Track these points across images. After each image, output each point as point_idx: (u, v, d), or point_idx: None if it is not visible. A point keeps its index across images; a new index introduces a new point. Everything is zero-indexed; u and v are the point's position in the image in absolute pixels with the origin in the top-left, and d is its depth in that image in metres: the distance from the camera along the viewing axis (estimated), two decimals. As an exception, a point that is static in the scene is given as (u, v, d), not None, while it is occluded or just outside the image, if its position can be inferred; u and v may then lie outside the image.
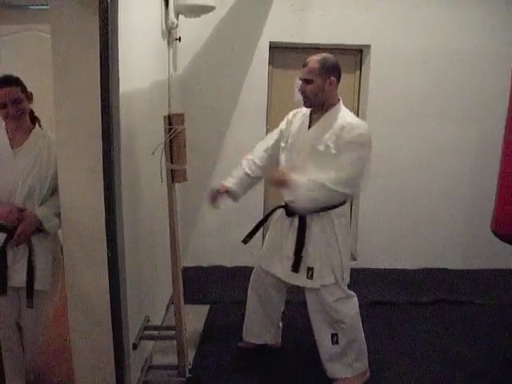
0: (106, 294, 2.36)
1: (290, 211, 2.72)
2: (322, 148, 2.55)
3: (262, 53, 4.25)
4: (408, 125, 4.40)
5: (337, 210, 2.65)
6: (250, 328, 3.07)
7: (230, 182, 2.86)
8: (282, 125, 2.88)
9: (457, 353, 3.15)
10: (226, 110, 4.34)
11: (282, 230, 2.77)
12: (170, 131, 2.48)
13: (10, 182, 2.37)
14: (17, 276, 2.38)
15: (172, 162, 2.53)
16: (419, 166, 4.48)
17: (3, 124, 2.44)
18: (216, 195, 2.86)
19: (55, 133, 2.36)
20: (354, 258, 4.63)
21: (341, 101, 2.67)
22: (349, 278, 2.75)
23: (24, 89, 2.44)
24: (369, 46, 4.30)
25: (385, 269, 4.56)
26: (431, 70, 4.32)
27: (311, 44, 4.23)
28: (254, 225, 2.90)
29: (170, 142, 2.50)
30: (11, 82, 2.38)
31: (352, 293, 2.75)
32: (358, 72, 4.52)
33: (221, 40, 4.23)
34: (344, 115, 2.61)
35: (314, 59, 2.58)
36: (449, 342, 3.29)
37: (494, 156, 4.44)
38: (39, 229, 2.43)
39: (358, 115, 4.50)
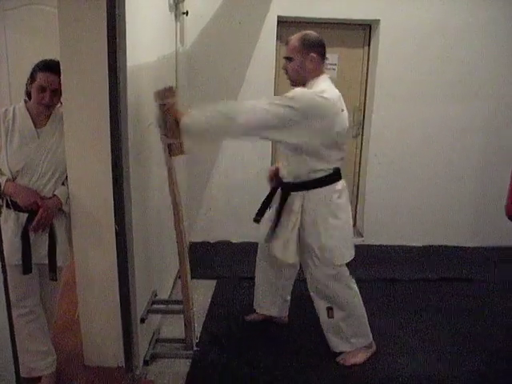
0: (114, 269, 2.38)
1: (284, 187, 2.74)
2: None
3: (270, 27, 4.21)
4: (416, 102, 4.36)
5: (328, 187, 2.62)
6: (256, 297, 3.15)
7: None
8: None
9: (462, 329, 3.17)
10: (234, 85, 4.31)
11: (275, 205, 2.80)
12: (160, 107, 2.47)
13: (34, 162, 2.35)
14: (39, 253, 2.40)
15: (167, 136, 2.53)
16: (427, 144, 4.45)
17: (22, 103, 2.42)
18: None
19: (63, 108, 2.37)
20: (360, 235, 4.64)
21: (323, 75, 2.62)
22: (348, 257, 2.71)
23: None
24: (378, 21, 4.24)
25: (390, 245, 4.57)
26: (440, 45, 4.26)
27: (319, 19, 4.18)
28: (261, 203, 2.90)
29: (164, 116, 2.49)
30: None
31: (345, 272, 2.70)
32: (367, 48, 4.47)
33: (228, 14, 4.18)
34: (315, 87, 2.56)
35: (295, 37, 2.59)
36: (454, 318, 3.31)
37: (503, 134, 4.44)
38: (60, 208, 2.44)
39: (366, 91, 4.47)
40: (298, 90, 2.52)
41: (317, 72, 2.60)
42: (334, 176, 2.64)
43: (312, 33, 2.60)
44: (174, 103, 2.50)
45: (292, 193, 2.66)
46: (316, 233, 2.64)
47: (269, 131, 2.47)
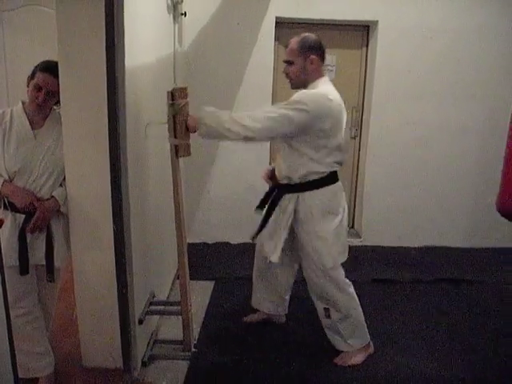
0: (112, 269, 2.38)
1: (279, 188, 2.74)
2: None
3: (268, 28, 4.21)
4: (414, 102, 4.36)
5: (322, 189, 2.62)
6: (254, 293, 3.16)
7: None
8: None
9: (460, 330, 3.17)
10: (232, 86, 4.31)
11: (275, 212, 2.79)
12: (172, 106, 2.47)
13: (30, 163, 2.35)
14: (36, 254, 2.40)
15: (175, 137, 2.52)
16: (424, 144, 4.46)
17: (20, 105, 2.42)
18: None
19: (61, 108, 2.36)
20: (358, 236, 4.64)
21: (323, 78, 2.63)
22: (342, 258, 2.71)
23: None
24: (376, 22, 4.25)
25: (388, 247, 4.57)
26: (438, 46, 4.26)
27: (318, 20, 4.19)
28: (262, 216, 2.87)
29: (174, 116, 2.49)
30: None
31: (339, 275, 2.69)
32: (365, 48, 4.47)
33: (226, 15, 4.19)
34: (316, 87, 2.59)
35: (294, 40, 2.60)
36: (451, 319, 3.31)
37: (500, 135, 4.43)
38: (58, 209, 2.44)
39: (364, 92, 4.48)
40: (304, 93, 2.53)
41: (317, 74, 2.61)
42: (330, 178, 2.64)
43: (311, 35, 2.61)
44: (185, 104, 2.50)
45: (286, 194, 2.67)
46: (308, 235, 2.65)
47: (284, 137, 2.55)
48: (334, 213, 2.65)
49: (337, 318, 2.73)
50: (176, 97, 2.47)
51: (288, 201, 2.67)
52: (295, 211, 2.66)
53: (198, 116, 2.50)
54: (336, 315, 2.72)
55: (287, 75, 2.64)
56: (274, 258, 2.71)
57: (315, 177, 2.60)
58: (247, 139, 2.47)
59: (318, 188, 2.62)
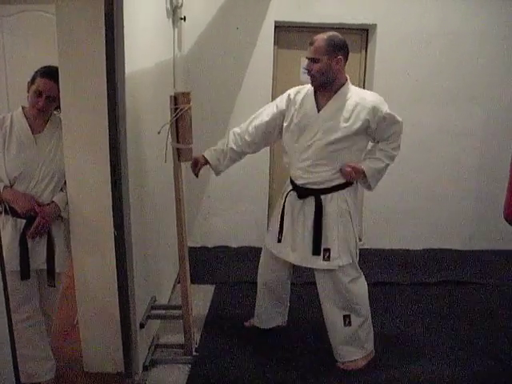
0: (113, 274, 2.38)
1: (302, 193, 2.69)
2: (339, 133, 2.55)
3: (268, 32, 4.22)
4: (413, 105, 4.36)
5: (349, 187, 2.66)
6: (260, 315, 3.08)
7: (210, 155, 2.79)
8: (281, 102, 2.78)
9: (462, 332, 3.16)
10: (231, 90, 4.32)
11: (293, 213, 2.73)
12: (175, 110, 2.47)
13: (31, 168, 2.35)
14: (37, 259, 2.40)
15: (178, 141, 2.53)
16: (424, 147, 4.46)
17: (20, 110, 2.42)
18: (197, 165, 2.80)
19: (61, 113, 2.37)
20: (359, 239, 4.63)
21: (348, 79, 2.65)
22: (354, 258, 2.75)
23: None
24: (375, 26, 4.25)
25: (389, 249, 4.57)
26: (437, 50, 4.27)
27: (317, 23, 4.18)
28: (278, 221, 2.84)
29: (176, 121, 2.49)
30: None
31: (360, 271, 2.77)
32: (364, 52, 4.48)
33: (226, 19, 4.19)
34: (356, 92, 2.62)
35: (321, 37, 2.54)
36: (452, 321, 3.31)
37: (500, 137, 4.45)
38: (58, 214, 2.44)
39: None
40: (380, 100, 2.62)
41: (342, 75, 2.61)
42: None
43: (337, 34, 2.58)
44: (188, 108, 2.50)
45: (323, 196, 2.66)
46: (351, 230, 2.68)
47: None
48: (358, 204, 2.77)
49: (358, 324, 2.71)
50: (179, 101, 2.48)
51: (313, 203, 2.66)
52: (324, 209, 2.65)
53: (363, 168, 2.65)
54: (357, 321, 2.70)
55: (309, 72, 2.59)
56: (347, 259, 2.68)
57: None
58: None
59: (343, 188, 2.68)
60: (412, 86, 4.34)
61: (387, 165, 2.69)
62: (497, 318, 3.36)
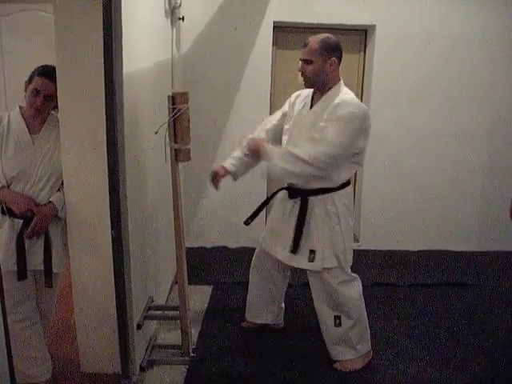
0: (111, 274, 2.38)
1: (292, 193, 2.71)
2: (316, 133, 2.53)
3: (266, 33, 4.21)
4: (412, 107, 4.37)
5: (340, 191, 2.64)
6: (251, 308, 3.10)
7: (229, 164, 2.84)
8: (285, 107, 2.86)
9: (461, 334, 3.16)
10: (230, 90, 4.31)
11: (284, 212, 2.76)
12: (173, 110, 2.47)
13: (29, 168, 2.34)
14: (34, 259, 2.39)
15: (176, 142, 2.52)
16: (423, 149, 4.46)
17: (17, 110, 2.41)
18: (217, 178, 2.84)
19: (59, 113, 2.36)
20: (356, 240, 4.64)
21: (341, 81, 2.65)
22: (351, 261, 2.75)
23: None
24: (374, 27, 4.25)
25: (387, 250, 4.56)
26: (437, 51, 4.27)
27: (315, 24, 4.18)
28: (257, 206, 2.90)
29: (174, 121, 2.49)
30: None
31: (355, 275, 2.76)
32: (363, 53, 4.48)
33: (224, 19, 4.19)
34: (343, 93, 2.60)
35: (314, 39, 2.55)
36: (451, 323, 3.30)
37: (500, 139, 4.45)
38: (55, 215, 2.43)
39: (361, 97, 4.48)
40: (350, 103, 2.54)
41: (335, 76, 2.62)
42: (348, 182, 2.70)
43: (331, 36, 2.59)
44: (186, 108, 2.49)
45: (312, 198, 2.65)
46: (339, 234, 2.65)
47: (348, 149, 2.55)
48: (350, 209, 2.70)
49: (348, 326, 2.70)
50: (177, 101, 2.47)
51: (313, 203, 2.65)
52: (312, 211, 2.65)
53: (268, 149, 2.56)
54: (347, 323, 2.70)
55: (302, 74, 2.59)
56: (332, 262, 2.66)
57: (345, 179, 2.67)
58: (317, 173, 2.53)
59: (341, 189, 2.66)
60: (411, 87, 4.33)
61: (300, 166, 2.48)
62: (495, 320, 3.35)
